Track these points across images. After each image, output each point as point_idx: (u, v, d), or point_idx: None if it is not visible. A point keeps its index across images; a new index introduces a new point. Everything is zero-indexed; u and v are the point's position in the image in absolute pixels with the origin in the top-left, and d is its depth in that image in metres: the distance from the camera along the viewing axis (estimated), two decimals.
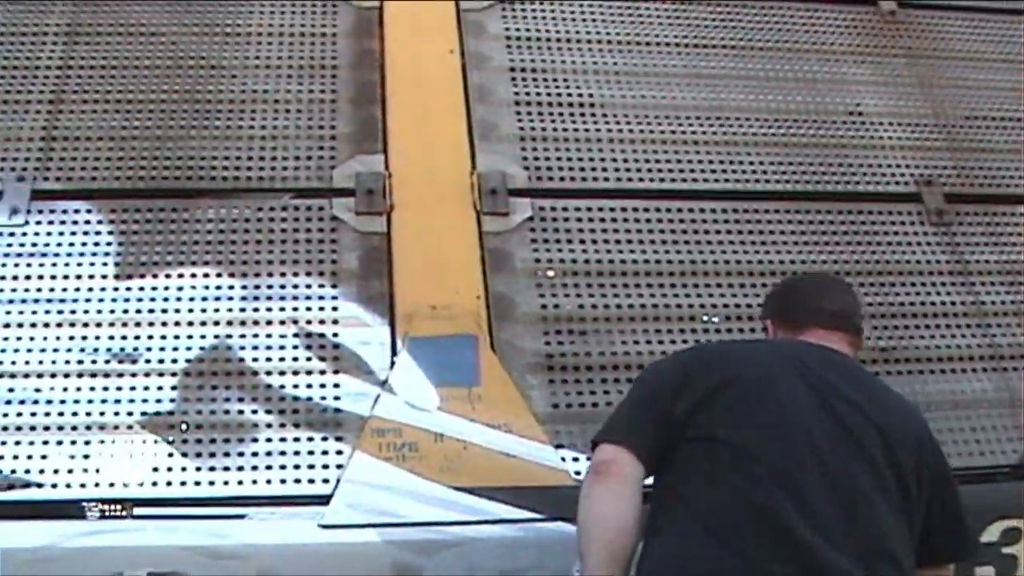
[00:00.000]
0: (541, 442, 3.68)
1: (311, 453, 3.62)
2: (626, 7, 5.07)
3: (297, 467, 3.60)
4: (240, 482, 3.57)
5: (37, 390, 3.73)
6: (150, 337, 3.86)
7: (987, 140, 4.97)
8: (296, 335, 3.89)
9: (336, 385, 3.78)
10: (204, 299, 3.96)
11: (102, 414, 3.68)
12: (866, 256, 4.46)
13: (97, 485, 3.55)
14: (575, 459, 3.70)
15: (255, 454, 3.62)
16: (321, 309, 3.94)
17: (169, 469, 3.59)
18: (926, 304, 4.39)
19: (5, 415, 3.67)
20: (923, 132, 4.92)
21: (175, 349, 3.84)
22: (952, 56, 5.26)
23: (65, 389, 3.74)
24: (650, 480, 2.91)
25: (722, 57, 4.98)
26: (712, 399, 2.88)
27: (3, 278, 3.97)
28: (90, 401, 3.71)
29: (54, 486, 3.54)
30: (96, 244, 4.07)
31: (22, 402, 3.70)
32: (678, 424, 2.87)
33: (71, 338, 3.85)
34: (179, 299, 3.95)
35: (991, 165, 4.88)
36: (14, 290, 3.94)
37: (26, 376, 3.76)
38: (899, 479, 2.85)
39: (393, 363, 3.80)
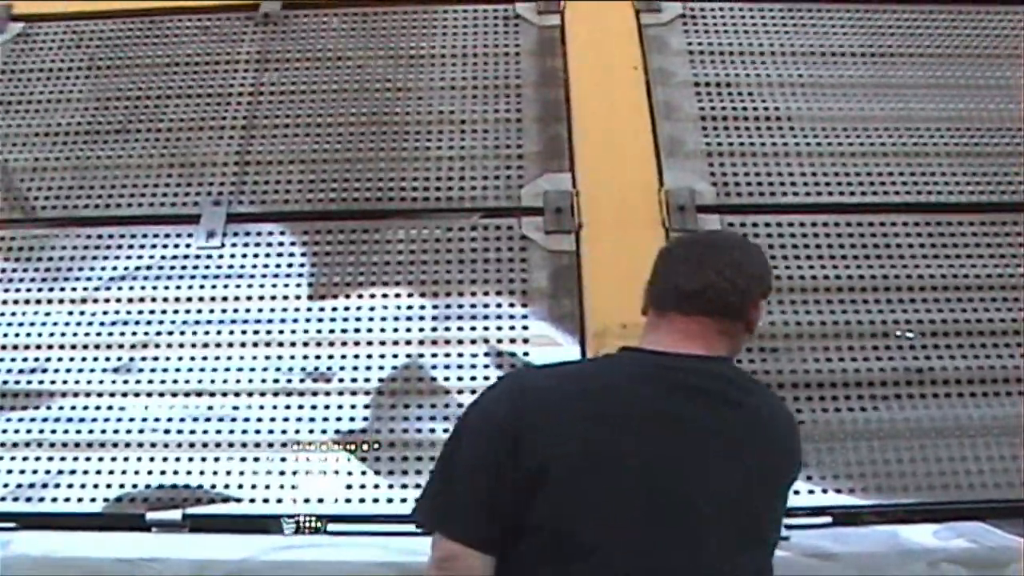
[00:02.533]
0: None
1: None
2: (808, 17, 4.98)
3: None
4: None
5: (235, 408, 3.84)
6: (343, 356, 3.93)
7: None
8: (487, 354, 3.90)
9: None
10: (396, 319, 4.01)
11: (297, 432, 3.77)
12: None
13: (293, 501, 3.63)
14: None
15: None
16: (512, 328, 3.96)
17: (362, 486, 3.65)
18: None
19: (205, 432, 3.79)
20: None
21: (368, 368, 3.90)
22: None
23: (261, 407, 3.84)
24: None
25: (909, 65, 4.85)
26: (532, 487, 2.47)
27: (202, 299, 4.09)
28: (285, 419, 3.80)
29: (251, 501, 3.64)
30: (290, 265, 4.16)
31: (220, 419, 3.82)
32: (504, 513, 2.49)
33: (267, 357, 3.94)
34: (371, 319, 4.01)
35: None
36: (212, 311, 4.07)
37: (224, 395, 3.87)
38: (755, 520, 2.60)
39: None
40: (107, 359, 3.98)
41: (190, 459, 3.72)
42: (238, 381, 3.89)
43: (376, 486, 3.65)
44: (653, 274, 2.82)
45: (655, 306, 2.77)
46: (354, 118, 4.59)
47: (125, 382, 3.91)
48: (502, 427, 2.51)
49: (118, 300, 4.12)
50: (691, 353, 2.65)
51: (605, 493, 2.46)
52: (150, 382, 3.91)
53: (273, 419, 3.80)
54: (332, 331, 3.99)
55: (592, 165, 4.38)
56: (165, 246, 4.24)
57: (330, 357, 3.93)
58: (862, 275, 4.16)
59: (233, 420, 3.81)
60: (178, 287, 4.13)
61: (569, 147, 4.46)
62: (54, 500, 3.67)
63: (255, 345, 3.97)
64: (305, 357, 3.94)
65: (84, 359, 3.99)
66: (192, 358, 3.96)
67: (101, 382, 3.92)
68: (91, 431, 3.81)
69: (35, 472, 3.73)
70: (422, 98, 4.65)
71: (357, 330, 3.99)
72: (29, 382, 3.95)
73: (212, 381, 3.89)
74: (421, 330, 3.98)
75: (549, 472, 2.45)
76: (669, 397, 2.57)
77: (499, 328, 3.96)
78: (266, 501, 3.63)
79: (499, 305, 4.02)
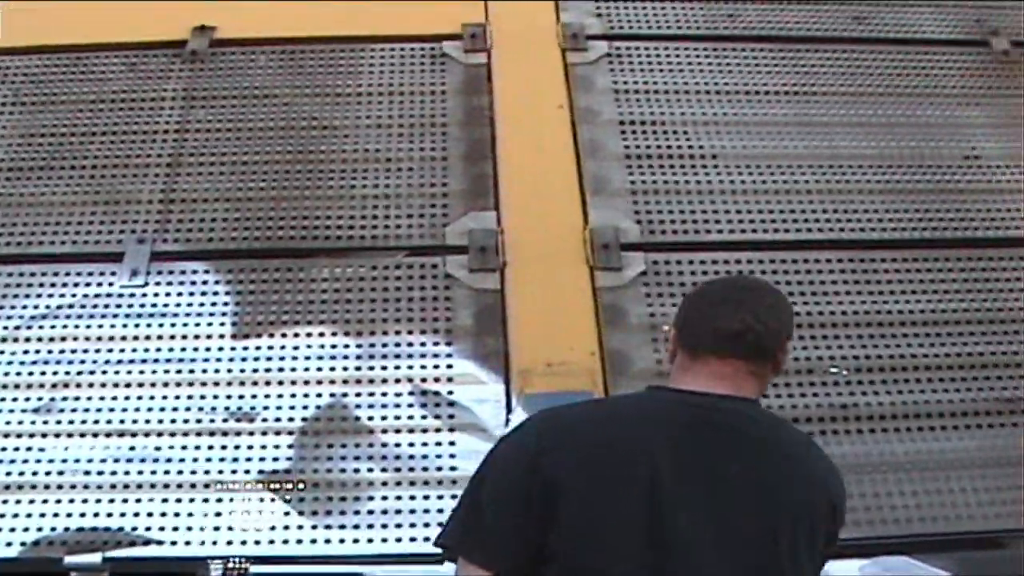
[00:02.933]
0: None
1: (427, 511, 3.62)
2: (734, 56, 5.05)
3: (413, 525, 3.59)
4: (356, 540, 3.58)
5: (157, 448, 3.79)
6: (267, 396, 3.90)
7: None
8: (411, 393, 3.89)
9: (451, 443, 3.77)
10: (320, 358, 3.99)
11: (220, 472, 3.73)
12: (987, 304, 4.32)
13: (215, 543, 3.58)
14: None
15: (371, 512, 3.62)
16: (436, 367, 3.95)
17: (286, 527, 3.61)
18: None
19: (127, 473, 3.73)
20: None
21: (292, 407, 3.87)
22: None
23: (184, 447, 3.79)
24: None
25: (833, 104, 4.92)
26: (553, 516, 2.51)
27: (124, 338, 4.05)
28: (208, 459, 3.76)
29: (173, 543, 3.58)
30: (214, 304, 4.13)
31: (142, 460, 3.76)
32: (528, 540, 2.54)
33: (190, 397, 3.90)
34: (295, 358, 3.99)
35: None
36: (134, 350, 4.02)
37: (146, 435, 3.82)
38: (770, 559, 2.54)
39: (508, 420, 3.78)
40: (27, 399, 3.92)
41: (111, 501, 3.66)
42: (160, 421, 3.84)
43: (300, 527, 3.61)
44: (684, 318, 2.84)
45: (688, 346, 2.76)
46: (280, 156, 4.58)
47: (45, 422, 3.85)
48: (527, 457, 2.57)
49: (39, 339, 4.06)
50: (718, 393, 2.66)
51: (613, 522, 2.49)
52: (71, 422, 3.86)
53: (196, 459, 3.76)
54: (256, 370, 3.96)
55: (517, 203, 4.40)
56: (88, 284, 4.20)
57: (254, 396, 3.90)
58: None
59: (155, 461, 3.76)
60: (100, 326, 4.08)
61: (494, 185, 4.47)
62: None
63: (178, 385, 3.93)
64: (228, 397, 3.90)
65: (3, 399, 3.92)
66: (114, 398, 3.91)
67: (20, 423, 3.86)
68: (8, 473, 3.74)
69: None
70: (348, 136, 4.65)
71: (281, 369, 3.96)
72: None
73: (134, 421, 3.84)
74: (345, 369, 3.96)
75: (561, 500, 2.49)
76: (689, 432, 2.59)
77: (423, 367, 3.95)
78: (188, 543, 3.58)
79: (423, 343, 4.01)
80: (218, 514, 3.64)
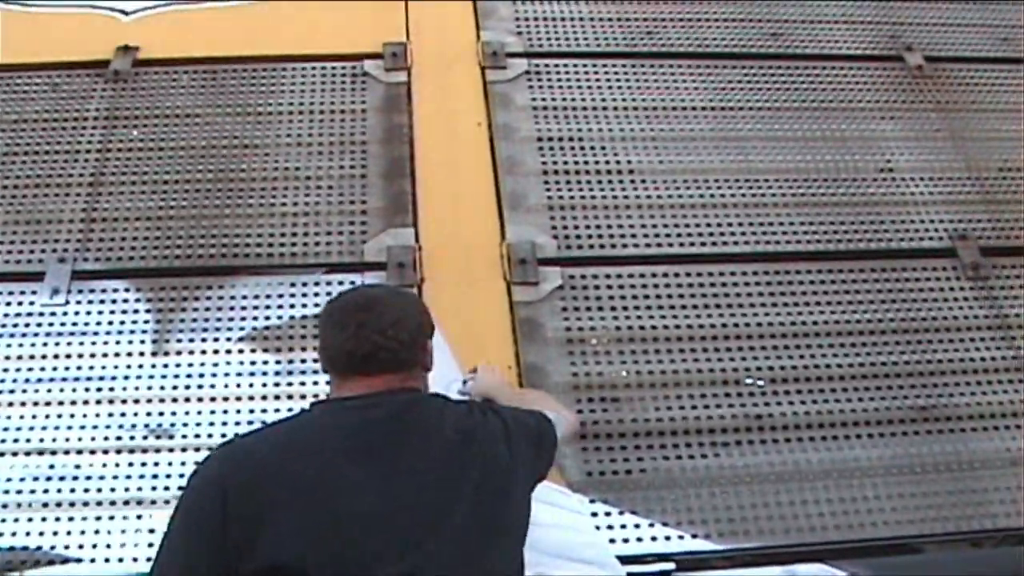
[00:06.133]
0: (574, 510, 3.69)
1: None
2: (652, 73, 5.12)
3: None
4: None
5: (77, 466, 3.80)
6: (187, 412, 3.92)
7: (1022, 191, 4.89)
8: None
9: None
10: (239, 374, 4.02)
11: (139, 489, 3.74)
12: (901, 314, 4.40)
13: (135, 560, 3.59)
14: (609, 527, 3.71)
15: None
16: None
17: None
18: (965, 360, 4.30)
19: (45, 491, 3.74)
20: (956, 186, 4.87)
21: (211, 424, 3.89)
22: (982, 108, 5.22)
23: (104, 465, 3.81)
24: None
25: (749, 119, 5.00)
26: (248, 536, 2.53)
27: (44, 356, 4.06)
28: (128, 477, 3.77)
29: (92, 561, 3.59)
30: (134, 322, 4.15)
31: (62, 478, 3.77)
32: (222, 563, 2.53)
33: (110, 415, 3.92)
34: (215, 374, 4.01)
35: None
36: (55, 368, 4.03)
37: (66, 453, 3.83)
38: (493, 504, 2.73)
39: None
40: None
41: (29, 520, 3.67)
42: (80, 439, 3.85)
43: None
44: (321, 339, 2.94)
45: (333, 370, 2.89)
46: (201, 175, 4.60)
47: None
48: (210, 484, 2.61)
49: None
50: (378, 391, 2.80)
51: (313, 522, 2.54)
52: None
53: (116, 477, 3.77)
54: (176, 387, 3.98)
55: (435, 220, 4.45)
56: (8, 303, 4.20)
57: (174, 413, 3.92)
58: (701, 324, 4.26)
59: (75, 479, 3.77)
60: (20, 344, 4.08)
61: (413, 203, 4.52)
62: None
63: (98, 403, 3.94)
64: (148, 414, 3.92)
65: None
66: (34, 416, 3.91)
67: None
68: None
69: None
70: (268, 155, 4.68)
71: (200, 386, 3.98)
72: None
73: (54, 439, 3.85)
74: (264, 385, 3.99)
75: (258, 520, 2.52)
76: (361, 431, 2.70)
77: None
78: (107, 561, 3.59)
79: None
80: (137, 531, 3.65)
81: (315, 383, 3.98)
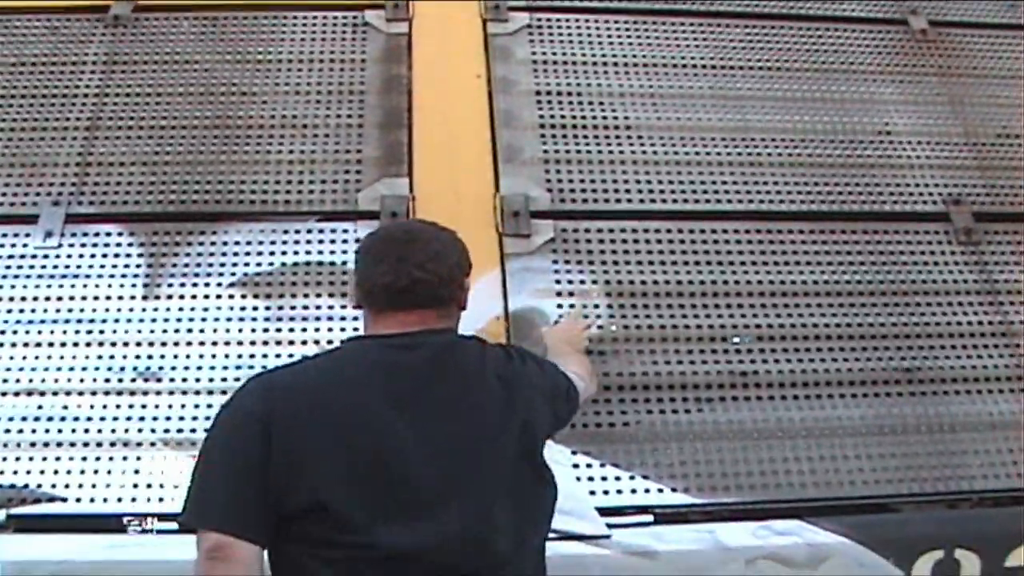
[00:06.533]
0: (558, 462, 3.69)
1: None
2: (653, 29, 5.11)
3: None
4: None
5: (65, 407, 3.83)
6: (175, 356, 3.95)
7: (1018, 158, 4.89)
8: None
9: None
10: (230, 319, 4.04)
11: (126, 431, 3.77)
12: (892, 276, 4.41)
13: (120, 500, 3.63)
14: (590, 479, 3.75)
15: None
16: (343, 330, 3.99)
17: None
18: (952, 324, 4.32)
19: (33, 431, 3.78)
20: (952, 151, 4.87)
21: (199, 368, 3.92)
22: (983, 74, 5.21)
23: (92, 406, 3.84)
24: None
25: (749, 78, 4.99)
26: (288, 474, 2.51)
27: (36, 299, 4.08)
28: (115, 418, 3.81)
29: (78, 500, 3.63)
30: (126, 266, 4.17)
31: (50, 419, 3.81)
32: (264, 499, 2.50)
33: (99, 357, 3.95)
34: (205, 319, 4.04)
35: (1021, 183, 4.81)
36: (46, 310, 4.06)
37: (55, 394, 3.86)
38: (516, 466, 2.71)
39: None
40: None
41: (17, 459, 3.70)
42: (69, 380, 3.89)
43: None
44: (358, 276, 2.88)
45: (368, 305, 2.84)
46: (198, 121, 4.61)
47: None
48: (252, 418, 2.55)
49: None
50: (414, 331, 2.75)
51: (357, 464, 2.52)
52: None
53: (103, 418, 3.80)
54: (166, 331, 4.00)
55: (430, 171, 4.45)
56: (1, 245, 4.22)
57: (162, 357, 3.95)
58: (691, 280, 4.28)
59: (63, 419, 3.80)
60: (12, 286, 4.11)
61: (408, 153, 4.52)
62: None
63: (88, 345, 3.97)
64: (138, 357, 3.94)
65: None
66: (24, 357, 3.95)
67: None
68: None
69: None
70: (266, 102, 4.69)
71: (191, 330, 4.01)
72: None
73: (43, 380, 3.88)
74: (254, 331, 4.02)
75: (295, 459, 2.50)
76: (403, 372, 2.66)
77: (330, 329, 4.01)
78: (92, 500, 3.62)
79: (331, 307, 4.07)
80: (123, 472, 3.68)
81: (303, 330, 4.01)
